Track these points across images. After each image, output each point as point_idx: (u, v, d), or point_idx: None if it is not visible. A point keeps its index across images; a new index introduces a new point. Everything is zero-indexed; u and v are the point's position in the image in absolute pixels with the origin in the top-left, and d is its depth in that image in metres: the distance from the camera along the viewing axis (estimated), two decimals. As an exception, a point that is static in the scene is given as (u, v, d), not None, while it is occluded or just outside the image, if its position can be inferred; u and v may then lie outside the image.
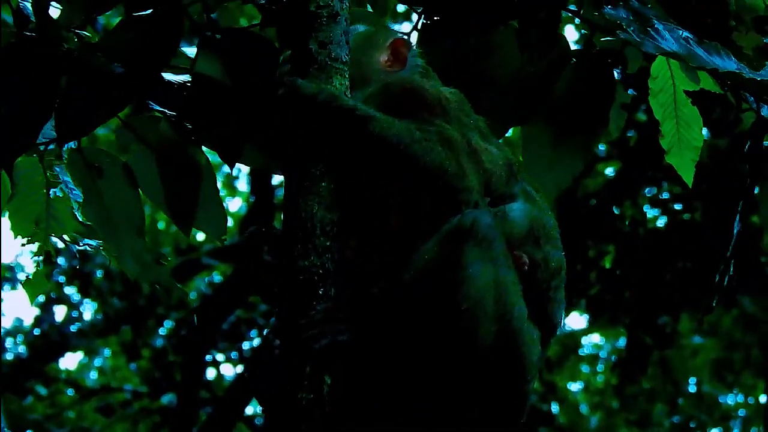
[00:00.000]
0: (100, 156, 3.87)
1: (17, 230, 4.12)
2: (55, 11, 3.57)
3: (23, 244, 4.17)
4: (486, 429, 3.11)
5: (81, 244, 4.23)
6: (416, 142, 3.14)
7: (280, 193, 15.03)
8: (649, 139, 10.79)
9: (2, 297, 16.45)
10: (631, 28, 3.27)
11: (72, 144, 3.79)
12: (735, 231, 3.69)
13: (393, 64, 3.59)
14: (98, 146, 4.05)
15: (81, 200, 3.91)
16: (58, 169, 4.01)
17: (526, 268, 3.20)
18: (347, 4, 3.36)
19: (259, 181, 13.32)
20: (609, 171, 12.20)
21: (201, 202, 3.68)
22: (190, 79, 3.56)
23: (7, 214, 4.10)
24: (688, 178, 3.94)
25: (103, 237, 3.94)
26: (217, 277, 15.81)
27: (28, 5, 3.54)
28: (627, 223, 11.77)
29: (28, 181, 4.03)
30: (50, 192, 4.06)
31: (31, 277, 4.42)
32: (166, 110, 3.63)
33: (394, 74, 3.53)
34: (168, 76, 3.62)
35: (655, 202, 12.10)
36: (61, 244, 4.28)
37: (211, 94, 3.41)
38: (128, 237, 3.88)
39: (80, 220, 4.07)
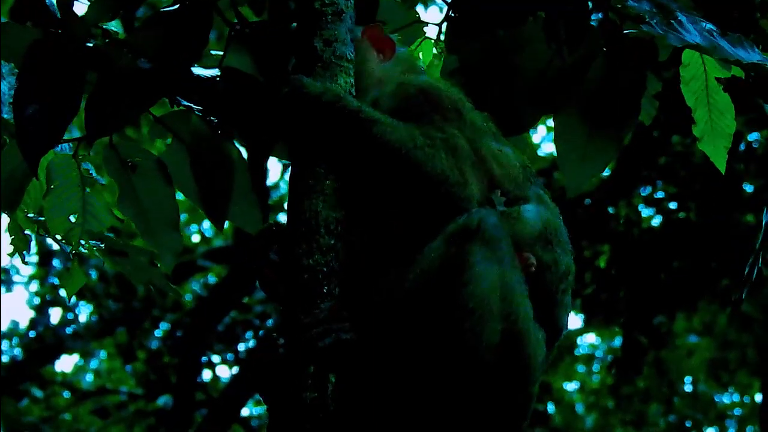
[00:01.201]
0: (134, 152, 3.89)
1: (53, 227, 4.13)
2: (80, 8, 3.58)
3: (59, 241, 4.19)
4: (491, 429, 3.12)
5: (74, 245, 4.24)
6: (419, 148, 3.14)
7: (276, 194, 15.03)
8: (644, 138, 10.80)
9: (-1, 299, 16.45)
10: (654, 21, 3.26)
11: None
12: (765, 222, 3.68)
13: (383, 53, 3.59)
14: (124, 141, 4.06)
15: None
16: (86, 165, 4.03)
17: (533, 269, 3.20)
18: (352, 1, 3.36)
19: (254, 181, 13.30)
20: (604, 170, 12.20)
21: (234, 195, 3.70)
22: (219, 74, 3.57)
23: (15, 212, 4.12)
24: (721, 165, 3.92)
25: (140, 232, 3.95)
26: (212, 279, 15.80)
27: (54, 1, 3.55)
28: (622, 222, 11.78)
29: (64, 178, 4.04)
30: (85, 188, 4.08)
31: (67, 272, 4.44)
32: (193, 105, 3.63)
33: (408, 74, 3.52)
34: (197, 70, 3.63)
35: (649, 202, 12.11)
36: (55, 246, 4.29)
37: (242, 88, 3.42)
38: (164, 232, 3.90)
39: (116, 215, 4.10)
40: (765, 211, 3.68)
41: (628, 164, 11.46)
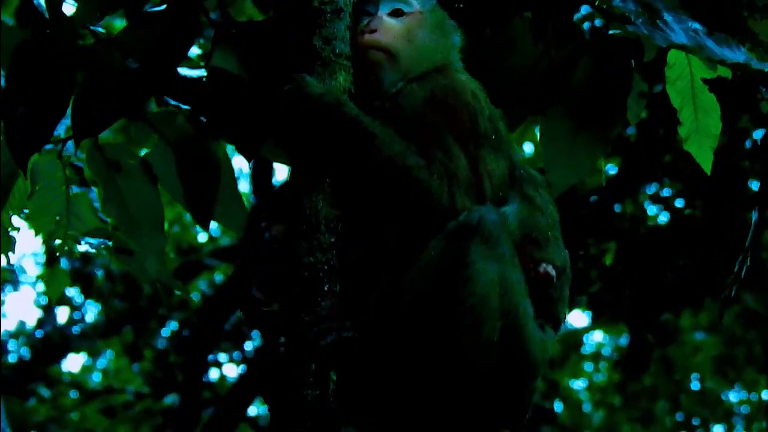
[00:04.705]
0: (119, 152, 3.88)
1: (37, 227, 4.13)
2: (68, 8, 3.58)
3: (44, 242, 4.19)
4: (491, 425, 3.13)
5: (82, 244, 4.24)
6: (411, 168, 3.14)
7: (282, 193, 14.96)
8: (650, 135, 10.77)
9: (5, 299, 16.46)
10: (640, 20, 3.27)
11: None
12: (753, 222, 3.69)
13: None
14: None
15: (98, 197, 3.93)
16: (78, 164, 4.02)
17: (554, 279, 3.23)
18: (351, 0, 3.36)
19: (260, 181, 13.30)
20: (609, 168, 12.18)
21: (220, 196, 3.70)
22: (205, 74, 3.57)
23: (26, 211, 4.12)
24: (707, 165, 3.93)
25: (124, 233, 3.94)
26: (218, 278, 15.79)
27: (42, 2, 3.55)
28: (628, 220, 11.76)
29: (48, 179, 4.04)
30: (70, 189, 4.08)
31: (49, 274, 4.44)
32: (181, 105, 3.64)
33: (449, 74, 3.47)
34: (183, 70, 3.63)
35: (655, 200, 12.09)
36: (66, 246, 4.29)
37: (229, 88, 3.43)
38: (149, 233, 3.90)
39: (101, 216, 4.09)
40: (754, 211, 3.68)
41: (633, 162, 11.44)
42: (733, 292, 3.71)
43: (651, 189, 12.11)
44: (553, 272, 3.26)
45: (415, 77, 3.38)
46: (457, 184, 3.17)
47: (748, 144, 10.84)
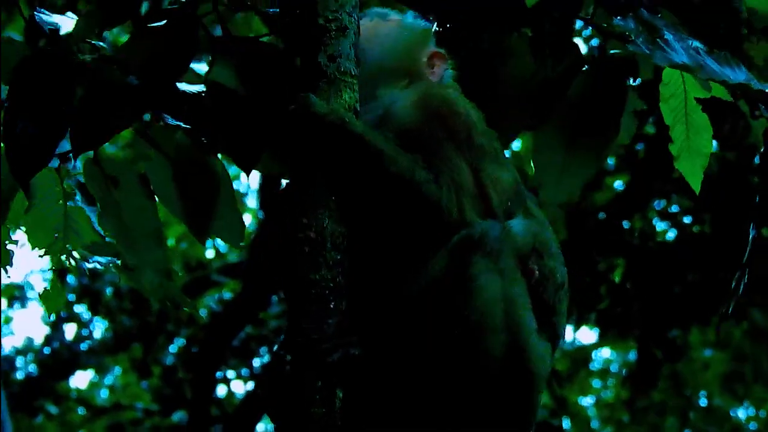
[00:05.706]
0: (117, 167, 3.88)
1: (35, 242, 4.12)
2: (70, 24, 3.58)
3: (41, 255, 4.18)
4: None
5: (90, 262, 4.24)
6: (419, 183, 3.15)
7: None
8: (658, 151, 10.77)
9: (10, 316, 16.48)
10: (640, 39, 3.27)
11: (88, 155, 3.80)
12: (750, 237, 3.69)
13: (432, 72, 3.57)
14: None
15: (96, 212, 3.92)
16: (75, 180, 4.01)
17: (537, 274, 3.22)
18: (356, 17, 3.36)
19: (268, 196, 13.31)
20: (618, 184, 12.19)
21: (218, 209, 3.69)
22: (204, 89, 3.57)
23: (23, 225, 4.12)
24: (696, 184, 3.93)
25: (122, 248, 3.94)
26: (226, 294, 15.80)
27: (43, 17, 3.55)
28: (636, 236, 11.75)
29: (46, 193, 4.03)
30: (68, 203, 4.07)
31: (48, 290, 4.43)
32: (180, 123, 3.63)
33: (435, 83, 3.50)
34: (182, 86, 3.63)
35: (664, 215, 12.09)
36: (71, 262, 4.29)
37: (227, 103, 3.43)
38: (147, 248, 3.89)
39: (98, 231, 4.08)
40: (751, 227, 3.68)
41: (641, 178, 11.44)
42: (730, 309, 3.70)
43: (659, 205, 12.10)
44: (534, 266, 3.26)
45: (392, 76, 3.42)
46: (463, 195, 3.18)
47: (756, 160, 10.83)
